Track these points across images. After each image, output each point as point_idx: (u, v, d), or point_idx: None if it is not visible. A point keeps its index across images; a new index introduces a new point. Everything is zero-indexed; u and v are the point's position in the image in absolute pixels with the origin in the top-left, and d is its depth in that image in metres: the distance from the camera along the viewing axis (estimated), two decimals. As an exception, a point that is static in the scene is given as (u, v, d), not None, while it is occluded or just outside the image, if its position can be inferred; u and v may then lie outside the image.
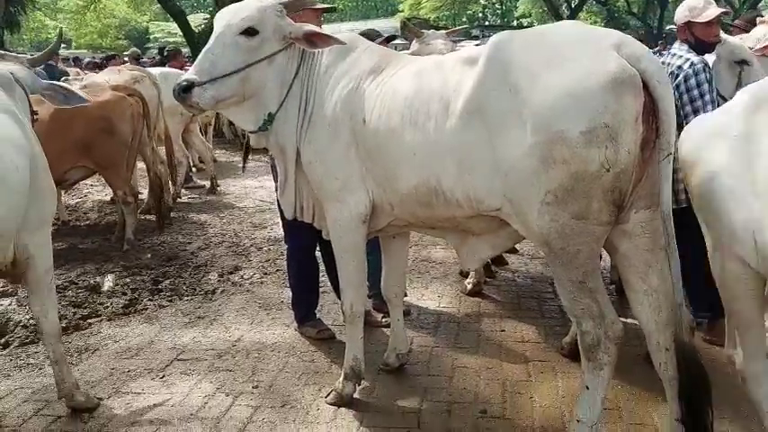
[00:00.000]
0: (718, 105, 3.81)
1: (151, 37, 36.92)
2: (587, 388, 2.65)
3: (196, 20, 24.50)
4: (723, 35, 4.28)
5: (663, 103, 2.39)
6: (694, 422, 2.49)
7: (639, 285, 2.61)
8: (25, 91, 3.23)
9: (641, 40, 2.95)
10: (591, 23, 30.78)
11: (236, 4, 3.06)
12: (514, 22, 40.25)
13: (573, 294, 2.57)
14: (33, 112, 3.30)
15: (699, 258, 3.72)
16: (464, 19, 37.86)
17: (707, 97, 3.49)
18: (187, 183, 8.75)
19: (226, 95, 2.98)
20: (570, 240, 2.47)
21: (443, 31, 5.06)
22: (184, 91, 2.90)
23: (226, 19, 2.98)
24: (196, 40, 20.03)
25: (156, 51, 14.79)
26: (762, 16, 5.66)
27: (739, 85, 3.95)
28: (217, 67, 2.92)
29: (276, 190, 3.46)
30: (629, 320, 3.03)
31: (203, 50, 2.99)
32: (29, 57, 3.70)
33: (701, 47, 3.69)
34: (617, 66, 2.35)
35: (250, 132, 3.23)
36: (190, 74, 2.94)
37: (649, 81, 2.38)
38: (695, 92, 3.48)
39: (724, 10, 3.75)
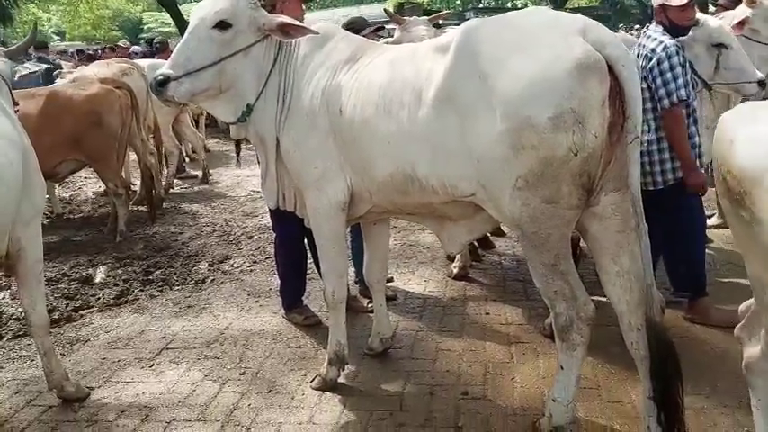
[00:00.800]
0: (695, 88, 3.86)
1: (145, 27, 36.74)
2: (562, 368, 2.72)
3: (189, 10, 24.42)
4: (703, 16, 4.30)
5: (628, 86, 2.43)
6: (665, 399, 2.55)
7: (611, 267, 2.66)
8: (7, 84, 3.26)
9: (641, 21, 2.97)
10: (585, 3, 30.63)
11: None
12: (509, 4, 39.96)
13: (545, 277, 2.62)
14: (16, 104, 3.33)
15: (675, 239, 3.80)
16: (458, 1, 37.61)
17: (680, 80, 3.51)
18: (180, 173, 8.79)
19: (201, 88, 3.02)
20: (541, 224, 2.52)
21: (425, 18, 5.08)
22: (160, 85, 2.94)
23: (200, 13, 3.01)
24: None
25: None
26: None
27: (717, 69, 3.99)
28: (191, 61, 2.95)
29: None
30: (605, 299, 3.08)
31: (179, 45, 3.03)
32: (4, 49, 3.72)
33: (675, 30, 3.71)
34: (582, 51, 2.38)
35: (229, 124, 3.27)
36: (165, 68, 2.98)
37: (615, 65, 2.41)
38: (668, 75, 3.51)
39: None
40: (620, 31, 10.32)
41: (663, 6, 3.72)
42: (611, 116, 2.44)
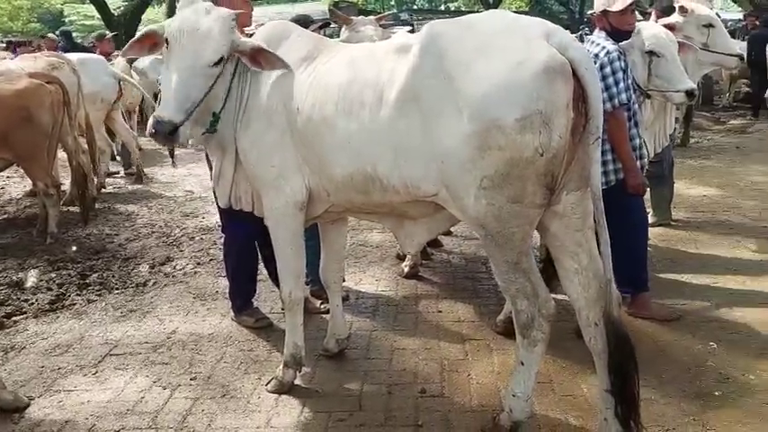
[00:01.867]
0: (636, 92, 3.99)
1: (66, 20, 35.18)
2: (522, 363, 2.76)
3: (114, 2, 23.54)
4: (642, 24, 4.47)
5: (591, 89, 2.49)
6: (623, 392, 2.63)
7: (570, 264, 2.73)
8: None
9: (568, 26, 3.03)
10: (516, 8, 31.39)
11: (197, 20, 2.90)
12: (442, 6, 40.55)
13: (508, 275, 2.65)
14: None
15: (619, 237, 3.90)
16: (392, 2, 37.86)
17: (621, 85, 3.62)
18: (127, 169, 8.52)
19: (198, 123, 2.98)
20: (506, 223, 2.54)
21: (372, 17, 5.06)
22: (170, 134, 2.83)
23: (193, 44, 2.86)
24: (115, 24, 19.28)
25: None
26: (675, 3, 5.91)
27: (650, 76, 4.14)
28: (190, 99, 2.87)
29: (212, 178, 3.41)
30: (559, 297, 3.15)
31: (174, 83, 2.85)
32: None
33: (617, 35, 3.81)
34: (548, 54, 2.42)
35: (201, 134, 3.14)
36: (168, 113, 2.82)
37: (578, 68, 2.47)
38: (610, 79, 3.61)
39: None
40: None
41: (604, 12, 3.83)
42: (574, 117, 2.49)
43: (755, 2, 11.10)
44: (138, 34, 3.13)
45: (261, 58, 2.97)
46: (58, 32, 13.13)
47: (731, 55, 5.50)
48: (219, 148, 3.17)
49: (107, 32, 10.67)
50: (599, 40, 3.79)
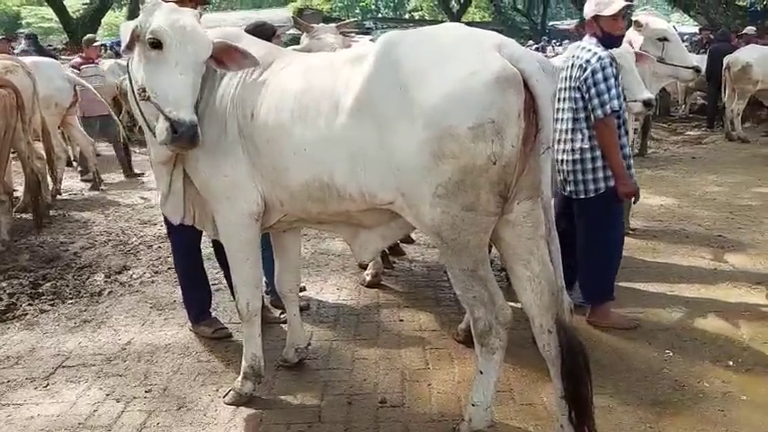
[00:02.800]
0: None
1: (23, 22, 34.38)
2: (481, 372, 2.77)
3: (73, 5, 23.09)
4: None
5: (541, 100, 2.52)
6: (575, 398, 2.66)
7: (522, 272, 2.75)
8: None
9: (530, 37, 3.05)
10: (479, 18, 31.80)
11: (183, 18, 2.81)
12: (406, 15, 40.80)
13: (464, 283, 2.67)
14: None
15: (596, 246, 3.94)
16: (357, 10, 37.95)
17: (613, 92, 3.62)
18: (84, 174, 8.31)
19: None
20: (461, 231, 2.56)
21: (333, 25, 5.05)
22: (194, 136, 2.72)
23: (189, 43, 2.77)
24: (73, 27, 18.89)
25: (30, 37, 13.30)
26: (632, 17, 6.05)
27: None
28: (195, 98, 2.81)
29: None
30: (518, 305, 3.17)
31: (183, 84, 2.75)
32: None
33: (608, 40, 3.81)
34: (500, 65, 2.46)
35: (161, 143, 2.97)
36: (187, 115, 2.70)
37: (529, 79, 2.50)
38: (602, 86, 3.62)
39: (629, 3, 3.83)
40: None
41: (596, 18, 3.82)
42: (525, 127, 2.52)
43: (710, 17, 11.40)
44: (126, 30, 2.85)
45: (226, 57, 2.90)
46: (23, 34, 12.74)
47: (687, 67, 5.65)
48: (170, 158, 3.07)
49: (95, 37, 10.30)
50: (590, 46, 3.78)
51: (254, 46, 3.07)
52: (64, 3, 18.96)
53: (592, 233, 3.94)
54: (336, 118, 2.67)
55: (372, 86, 2.59)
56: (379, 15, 38.65)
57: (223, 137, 2.93)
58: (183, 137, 2.69)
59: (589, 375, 2.68)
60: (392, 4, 45.80)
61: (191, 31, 2.80)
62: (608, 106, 3.63)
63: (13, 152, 6.01)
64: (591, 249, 3.96)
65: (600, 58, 3.67)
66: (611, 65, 3.67)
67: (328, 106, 2.70)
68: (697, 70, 5.73)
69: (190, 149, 2.85)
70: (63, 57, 11.42)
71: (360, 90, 2.62)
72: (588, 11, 3.89)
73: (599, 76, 3.64)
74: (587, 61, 3.70)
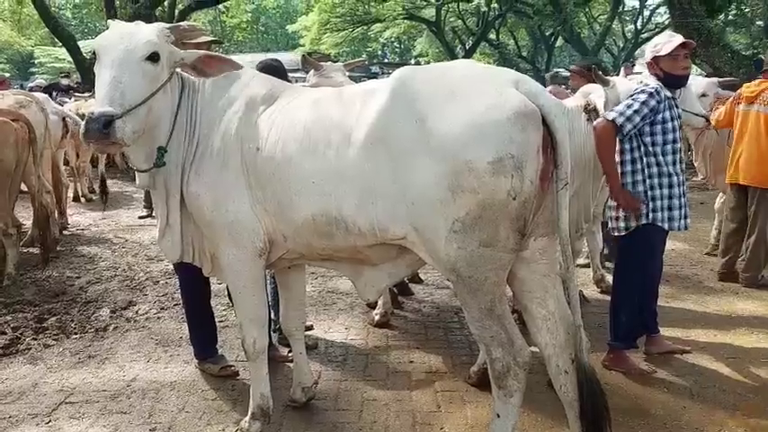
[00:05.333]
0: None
1: (36, 62, 34.98)
2: (498, 416, 2.68)
3: (87, 46, 23.49)
4: (615, 78, 4.55)
5: (559, 135, 2.51)
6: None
7: (538, 311, 2.70)
8: None
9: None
10: (485, 63, 32.20)
11: (121, 27, 2.81)
12: (412, 61, 41.42)
13: (481, 321, 2.60)
14: None
15: (631, 286, 3.86)
16: (364, 56, 38.58)
17: (629, 111, 3.55)
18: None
19: (138, 129, 2.70)
20: (478, 268, 2.51)
21: (341, 64, 5.10)
22: (105, 127, 2.52)
23: (122, 43, 2.71)
24: (87, 66, 19.18)
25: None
26: (634, 64, 6.08)
27: None
28: (126, 98, 2.63)
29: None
30: (531, 348, 3.10)
31: (106, 80, 2.64)
32: None
33: (670, 80, 3.76)
34: (519, 100, 2.45)
35: (142, 171, 2.99)
36: (102, 107, 2.57)
37: (547, 116, 2.49)
38: (629, 101, 3.60)
39: (687, 41, 3.79)
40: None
41: (655, 59, 3.81)
42: (543, 163, 2.50)
43: (715, 65, 11.52)
44: None
45: (206, 65, 2.85)
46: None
47: (697, 114, 5.66)
48: (164, 194, 3.01)
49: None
50: (649, 81, 3.77)
51: (259, 78, 3.08)
52: (78, 44, 19.22)
53: (619, 273, 3.90)
54: (347, 150, 2.64)
55: (387, 119, 2.56)
56: (386, 60, 39.27)
57: (225, 172, 2.87)
58: (90, 132, 2.54)
59: (609, 417, 2.60)
60: (398, 50, 46.59)
61: (128, 32, 2.75)
62: (613, 114, 3.58)
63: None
64: (617, 290, 3.91)
65: (646, 85, 3.68)
66: (651, 95, 3.61)
67: (339, 138, 2.67)
68: (707, 119, 5.74)
69: (109, 147, 2.75)
70: (77, 95, 11.55)
71: (373, 122, 2.59)
72: (648, 54, 3.90)
73: (634, 95, 3.64)
74: (635, 89, 3.72)
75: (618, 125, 3.57)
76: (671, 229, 3.77)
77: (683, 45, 3.76)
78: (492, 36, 31.80)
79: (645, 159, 3.71)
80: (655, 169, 3.70)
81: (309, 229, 2.79)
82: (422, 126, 2.48)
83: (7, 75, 11.87)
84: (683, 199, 3.76)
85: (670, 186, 3.71)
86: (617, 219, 3.81)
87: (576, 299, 2.67)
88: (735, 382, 3.77)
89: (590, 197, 4.38)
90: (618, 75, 6.03)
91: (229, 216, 2.88)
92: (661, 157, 3.69)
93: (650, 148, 3.69)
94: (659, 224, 3.73)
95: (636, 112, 3.58)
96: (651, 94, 3.62)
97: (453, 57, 31.08)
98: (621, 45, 32.01)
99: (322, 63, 5.00)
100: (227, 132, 2.90)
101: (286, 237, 2.90)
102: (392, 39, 37.69)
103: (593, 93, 4.51)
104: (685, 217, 3.79)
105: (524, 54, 34.42)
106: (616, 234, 3.86)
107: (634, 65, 6.45)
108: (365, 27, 30.24)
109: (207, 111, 2.96)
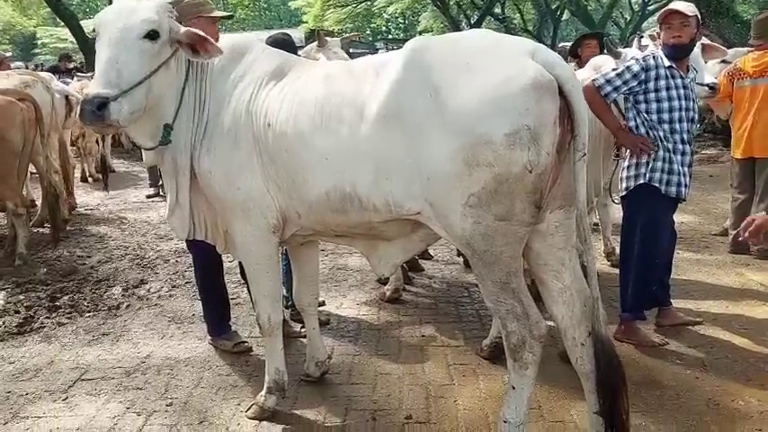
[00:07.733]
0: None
1: (39, 42, 34.85)
2: (513, 388, 2.68)
3: (89, 25, 23.35)
4: (626, 50, 4.52)
5: (577, 106, 2.46)
6: (612, 412, 2.58)
7: (554, 284, 2.68)
8: None
9: None
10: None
11: (122, 3, 2.76)
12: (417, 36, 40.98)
13: (497, 295, 2.58)
14: None
15: (645, 254, 3.85)
16: (368, 32, 38.24)
17: (611, 75, 3.68)
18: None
19: (137, 109, 2.67)
20: (494, 242, 2.49)
21: (337, 39, 5.16)
22: (99, 109, 2.51)
23: (120, 21, 2.67)
24: (90, 47, 19.08)
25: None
26: (642, 37, 6.02)
27: None
28: (123, 78, 2.59)
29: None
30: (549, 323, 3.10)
31: (103, 59, 2.61)
32: None
33: (670, 50, 3.74)
34: (535, 71, 2.40)
35: (148, 149, 2.98)
36: (97, 88, 2.55)
37: (564, 86, 2.44)
38: (618, 68, 3.73)
39: (674, 10, 3.74)
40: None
41: (659, 33, 3.92)
42: (560, 135, 2.47)
43: (725, 36, 11.38)
44: None
45: (200, 46, 2.80)
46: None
47: (702, 84, 5.59)
48: (173, 172, 2.99)
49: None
50: (657, 53, 3.82)
51: (268, 53, 3.04)
52: (80, 23, 19.10)
53: (622, 240, 3.91)
54: (360, 126, 2.60)
55: (400, 92, 2.52)
56: (390, 37, 38.92)
57: (237, 149, 2.85)
58: (84, 113, 2.54)
59: (626, 389, 2.61)
60: (402, 26, 46.15)
61: (127, 9, 2.69)
62: (601, 78, 3.67)
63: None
64: (622, 258, 3.92)
65: (635, 58, 3.80)
66: (637, 62, 3.69)
67: (351, 114, 2.63)
68: (712, 88, 5.67)
69: (106, 129, 2.76)
70: (80, 74, 11.49)
71: (386, 96, 2.54)
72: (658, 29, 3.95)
73: (625, 64, 3.75)
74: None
75: (597, 86, 3.65)
76: (668, 193, 3.75)
77: (672, 14, 3.74)
78: (497, 10, 31.36)
79: (642, 129, 3.76)
80: (653, 137, 3.73)
81: (323, 206, 2.77)
82: (435, 99, 2.44)
83: (8, 54, 11.63)
84: (684, 168, 3.76)
85: (670, 154, 3.72)
86: (621, 182, 3.86)
87: (594, 271, 2.65)
88: (747, 352, 3.77)
89: (600, 171, 4.36)
90: (629, 47, 5.94)
91: (242, 193, 2.86)
92: (658, 126, 3.71)
93: (646, 116, 3.73)
94: (655, 184, 3.73)
95: (618, 75, 3.68)
96: (637, 60, 3.71)
97: (458, 32, 30.76)
98: (629, 17, 31.61)
99: (327, 39, 5.05)
100: (237, 108, 2.86)
101: (300, 213, 2.88)
102: (396, 14, 37.23)
103: (604, 65, 4.49)
104: (685, 186, 3.78)
105: (530, 28, 34.02)
106: (621, 197, 3.91)
107: (642, 37, 6.37)
108: (369, 2, 29.86)
109: (217, 86, 2.92)
